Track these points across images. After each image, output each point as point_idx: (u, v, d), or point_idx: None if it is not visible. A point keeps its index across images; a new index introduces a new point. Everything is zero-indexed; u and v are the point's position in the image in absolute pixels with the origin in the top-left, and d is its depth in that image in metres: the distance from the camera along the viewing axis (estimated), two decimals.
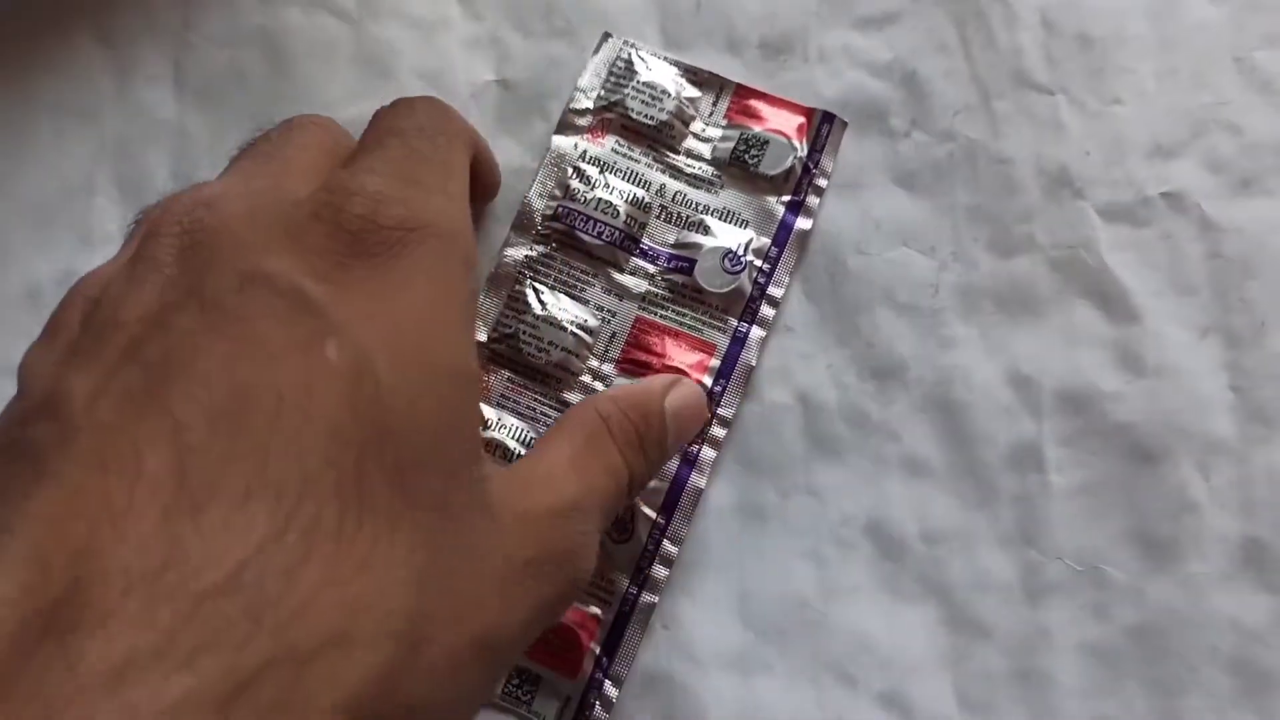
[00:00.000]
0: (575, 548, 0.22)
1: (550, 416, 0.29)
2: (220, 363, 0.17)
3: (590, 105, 0.31)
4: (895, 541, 0.29)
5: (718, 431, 0.29)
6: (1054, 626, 0.28)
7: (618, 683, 0.28)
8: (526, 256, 0.30)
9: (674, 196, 0.30)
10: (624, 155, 0.30)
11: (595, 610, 0.29)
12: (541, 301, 0.29)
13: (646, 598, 0.28)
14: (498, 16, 0.32)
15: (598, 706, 0.28)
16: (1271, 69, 0.30)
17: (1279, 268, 0.29)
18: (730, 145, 0.30)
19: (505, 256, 0.30)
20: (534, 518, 0.21)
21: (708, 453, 0.29)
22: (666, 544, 0.29)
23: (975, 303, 0.30)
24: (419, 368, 0.19)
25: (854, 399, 0.30)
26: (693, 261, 0.29)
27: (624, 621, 0.28)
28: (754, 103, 0.30)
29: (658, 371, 0.29)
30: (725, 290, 0.29)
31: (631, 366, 0.29)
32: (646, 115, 0.30)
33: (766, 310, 0.29)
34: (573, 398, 0.29)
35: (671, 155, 0.30)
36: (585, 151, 0.30)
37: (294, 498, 0.16)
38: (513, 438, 0.29)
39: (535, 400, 0.29)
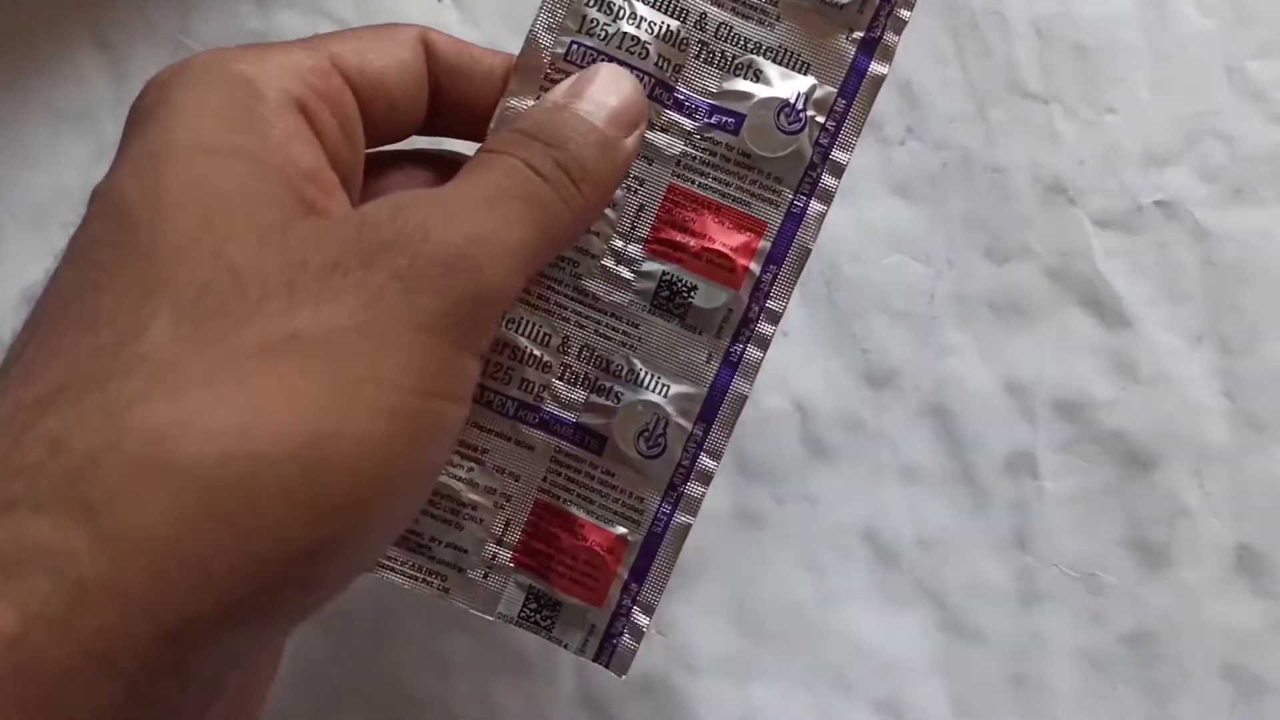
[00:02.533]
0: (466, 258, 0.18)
1: (568, 309, 0.24)
2: None
3: None
4: (891, 547, 0.29)
5: (765, 329, 0.24)
6: (1049, 632, 0.28)
7: (648, 610, 0.25)
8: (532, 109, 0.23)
9: (718, 30, 0.24)
10: None
11: (622, 530, 0.24)
12: None
13: (681, 518, 0.24)
14: (494, 21, 0.32)
15: (626, 635, 0.25)
16: (1264, 79, 0.30)
17: (1271, 276, 0.30)
18: None
19: (506, 110, 0.24)
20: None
21: (753, 353, 0.24)
22: (704, 458, 0.24)
23: (970, 310, 0.30)
24: None
25: (850, 405, 0.30)
26: (740, 116, 0.24)
27: (655, 544, 0.25)
28: None
29: (695, 254, 0.24)
30: (780, 155, 0.24)
31: (663, 248, 0.24)
32: None
33: (829, 181, 0.24)
34: (593, 286, 0.24)
35: None
36: None
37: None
38: (525, 334, 0.24)
39: (549, 289, 0.24)
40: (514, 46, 0.32)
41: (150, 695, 0.15)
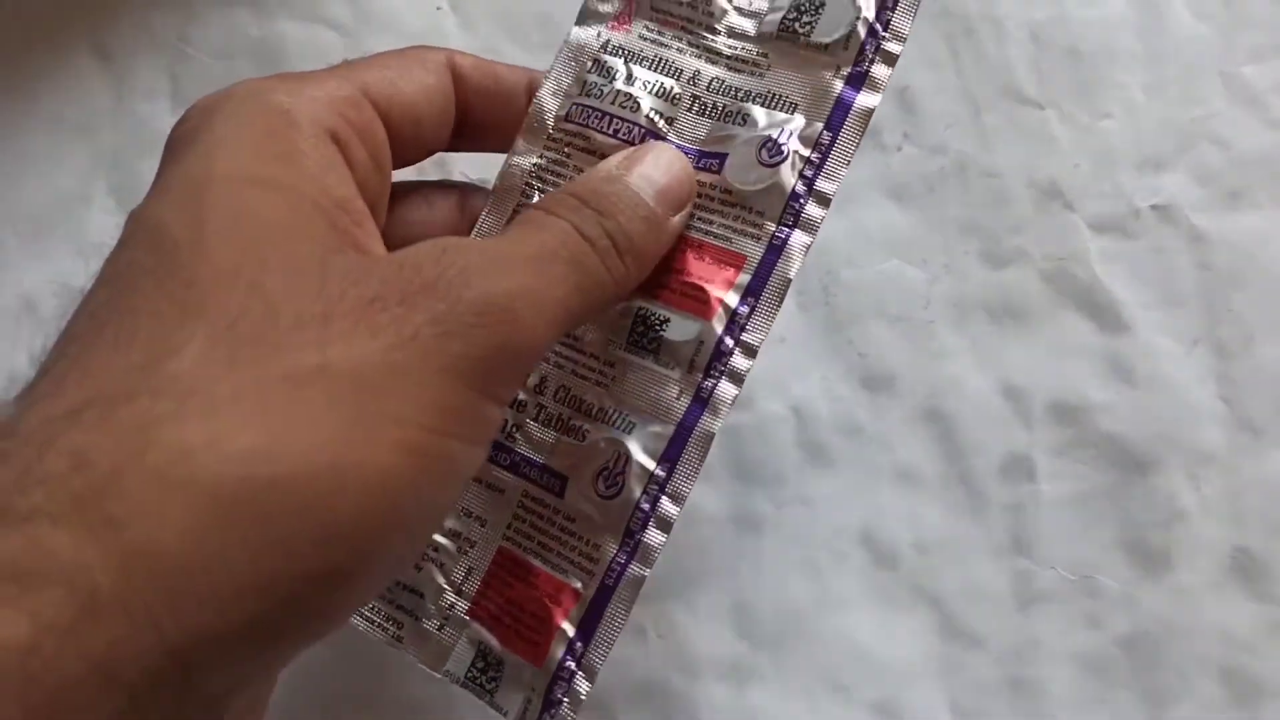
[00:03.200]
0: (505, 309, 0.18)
1: (559, 348, 0.24)
2: None
3: None
4: (888, 551, 0.29)
5: (740, 363, 0.23)
6: (1046, 635, 0.28)
7: (591, 675, 0.23)
8: (535, 165, 0.25)
9: (710, 84, 0.24)
10: (653, 42, 0.25)
11: (576, 584, 0.23)
12: None
13: (635, 570, 0.23)
14: (491, 27, 0.33)
15: (565, 705, 0.23)
16: (1258, 83, 0.31)
17: (1267, 279, 0.30)
18: (780, 14, 0.24)
19: (511, 166, 0.25)
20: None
21: (726, 389, 0.23)
22: (665, 503, 0.23)
23: (967, 314, 0.30)
24: None
25: (847, 410, 0.30)
26: (724, 156, 0.24)
27: (605, 597, 0.23)
28: None
29: (670, 289, 0.23)
30: (760, 188, 0.23)
31: (648, 287, 0.24)
32: None
33: (814, 211, 0.23)
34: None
35: (710, 37, 0.25)
36: (608, 42, 0.25)
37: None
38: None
39: None
40: (510, 51, 0.32)
41: (152, 710, 0.15)
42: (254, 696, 0.20)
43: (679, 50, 0.25)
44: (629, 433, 0.23)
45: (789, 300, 0.30)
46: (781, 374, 0.30)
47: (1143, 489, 0.29)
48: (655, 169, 0.22)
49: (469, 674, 0.24)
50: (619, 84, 0.25)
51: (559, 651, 0.23)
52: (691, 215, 0.23)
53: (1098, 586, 0.29)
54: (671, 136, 0.24)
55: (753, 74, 0.24)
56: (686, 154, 0.24)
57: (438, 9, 0.33)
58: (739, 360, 0.23)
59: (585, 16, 0.26)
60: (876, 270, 0.30)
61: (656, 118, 0.24)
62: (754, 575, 0.29)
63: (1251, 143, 0.30)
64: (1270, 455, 0.29)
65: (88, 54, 0.33)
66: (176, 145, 0.20)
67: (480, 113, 0.24)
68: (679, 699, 0.29)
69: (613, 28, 0.25)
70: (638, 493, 0.23)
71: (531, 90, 0.24)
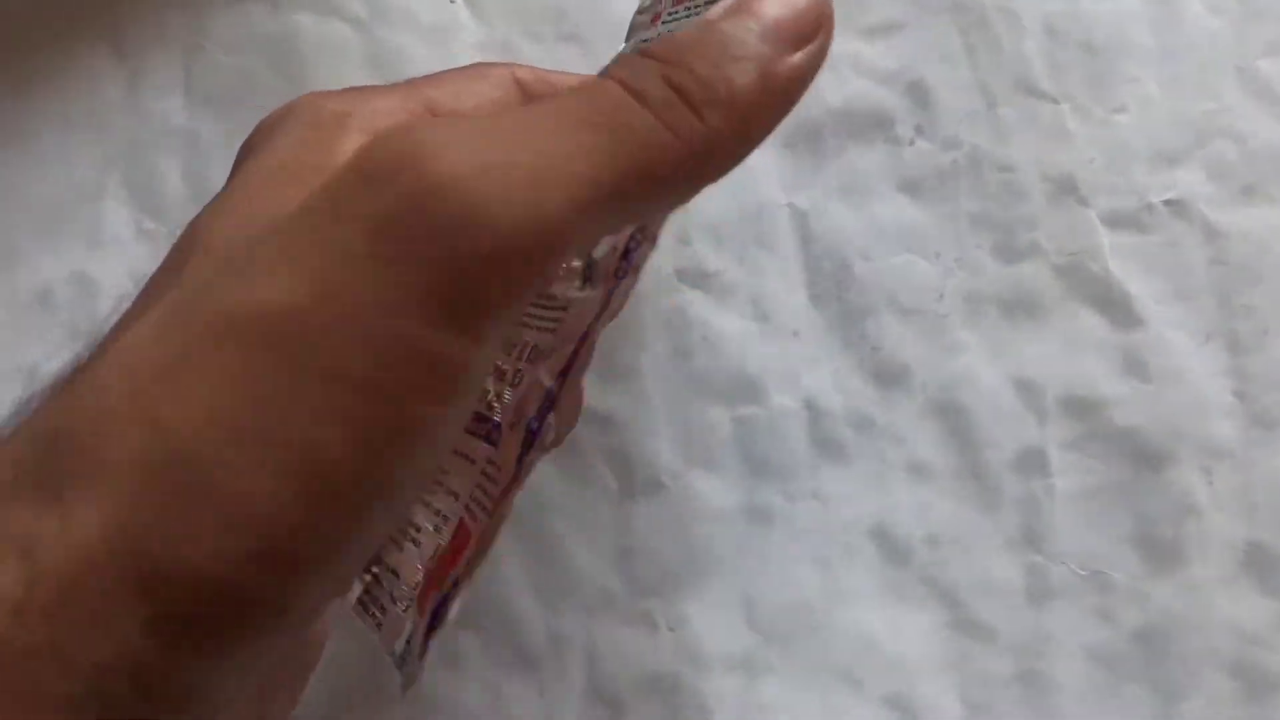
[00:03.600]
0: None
1: (534, 314, 0.20)
2: None
3: None
4: (900, 545, 0.29)
5: (644, 252, 0.19)
6: (1058, 630, 0.28)
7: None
8: None
9: None
10: None
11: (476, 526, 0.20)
12: None
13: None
14: (508, 22, 0.33)
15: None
16: (1274, 77, 0.30)
17: None
18: None
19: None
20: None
21: (627, 282, 0.20)
22: (552, 417, 0.19)
23: (980, 308, 0.30)
24: None
25: (859, 404, 0.30)
26: None
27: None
28: None
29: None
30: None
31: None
32: None
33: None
34: (556, 286, 0.20)
35: None
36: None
37: None
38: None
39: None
40: (526, 47, 0.32)
41: (116, 700, 0.14)
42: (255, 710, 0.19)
43: None
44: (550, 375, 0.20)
45: (800, 293, 0.30)
46: (793, 367, 0.30)
47: (1155, 483, 0.29)
48: (771, 4, 0.17)
49: (404, 651, 0.21)
50: None
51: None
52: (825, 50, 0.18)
53: (1110, 581, 0.29)
54: None
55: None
56: None
57: (451, 2, 0.33)
58: (645, 249, 0.20)
59: (632, 30, 0.23)
60: (889, 264, 0.30)
61: None
62: (765, 568, 0.29)
63: (1266, 137, 0.30)
64: None
65: (101, 49, 0.33)
66: (239, 157, 0.20)
67: None
68: (689, 692, 0.29)
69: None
70: (532, 412, 0.19)
71: None
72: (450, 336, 0.14)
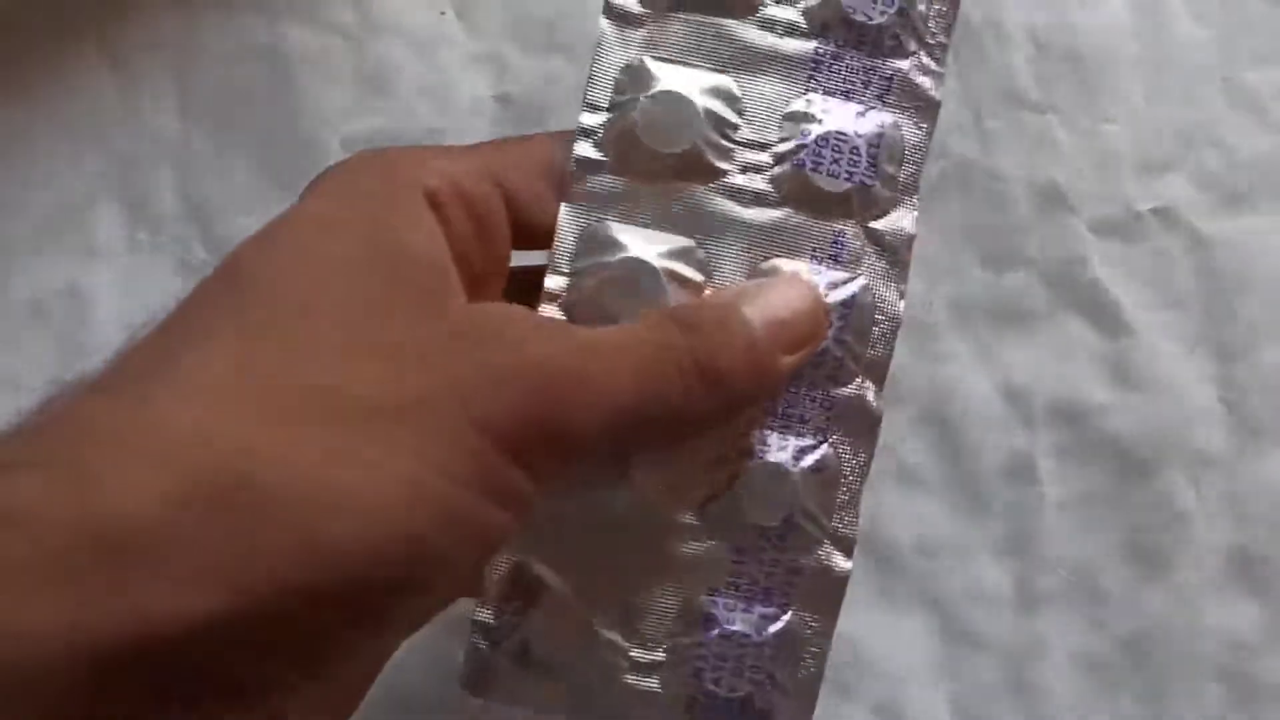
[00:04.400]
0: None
1: None
2: None
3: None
4: (890, 553, 0.29)
5: None
6: (1047, 637, 0.29)
7: None
8: None
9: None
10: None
11: None
12: None
13: None
14: (498, 32, 0.33)
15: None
16: (1259, 87, 0.31)
17: (1268, 282, 0.30)
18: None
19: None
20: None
21: None
22: None
23: (969, 317, 0.30)
24: None
25: None
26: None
27: None
28: None
29: None
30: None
31: None
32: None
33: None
34: None
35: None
36: None
37: None
38: None
39: None
40: (513, 56, 0.32)
41: (116, 691, 0.14)
42: None
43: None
44: None
45: None
46: None
47: (1144, 491, 0.29)
48: (776, 300, 0.20)
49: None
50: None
51: None
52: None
53: (1099, 588, 0.29)
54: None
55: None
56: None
57: (442, 14, 0.33)
58: None
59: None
60: None
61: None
62: None
63: (1252, 147, 0.30)
64: (1271, 457, 0.29)
65: (95, 59, 0.33)
66: (303, 194, 0.20)
67: None
68: None
69: None
70: None
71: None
72: (515, 467, 0.17)
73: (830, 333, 0.21)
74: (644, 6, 0.22)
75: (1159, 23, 0.31)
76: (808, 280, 0.21)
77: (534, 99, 0.32)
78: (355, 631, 0.17)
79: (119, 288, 0.31)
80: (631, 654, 0.22)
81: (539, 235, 0.22)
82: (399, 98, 0.32)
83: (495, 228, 0.21)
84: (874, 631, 0.29)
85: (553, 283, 0.22)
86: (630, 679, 0.22)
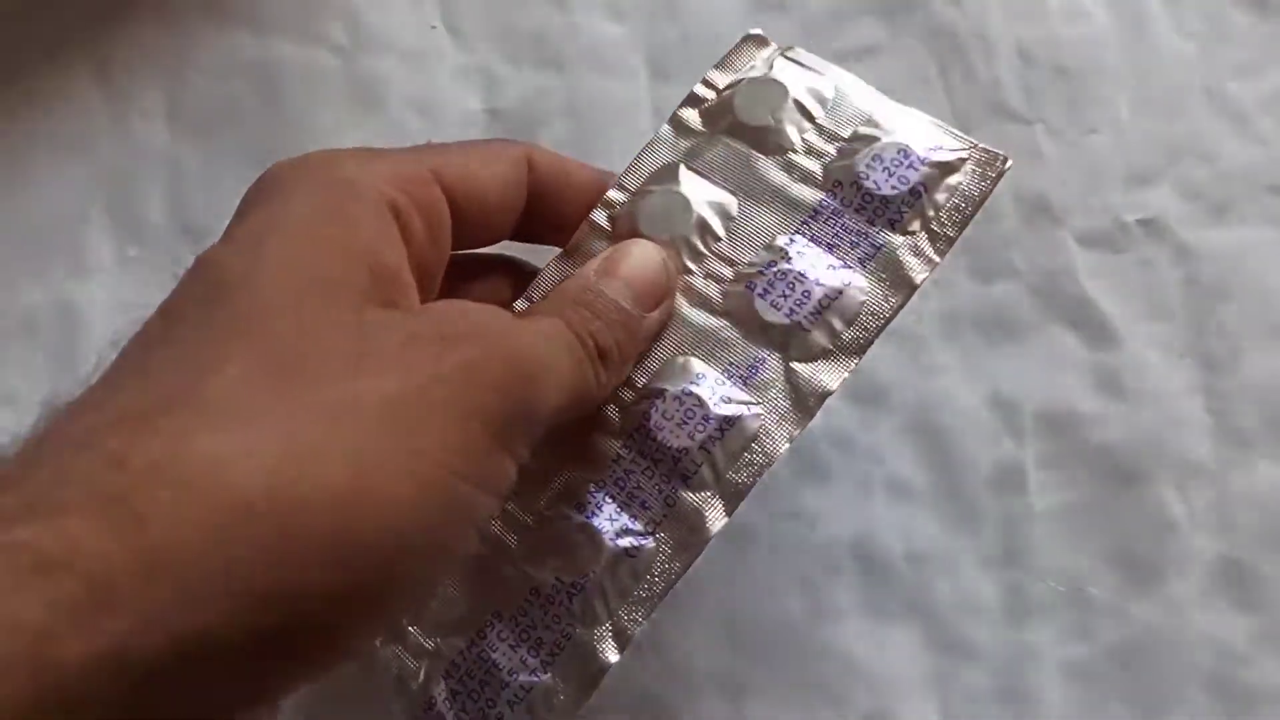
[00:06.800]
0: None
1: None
2: None
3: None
4: (881, 563, 0.29)
5: None
6: (1037, 646, 0.29)
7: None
8: None
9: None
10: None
11: None
12: None
13: None
14: (488, 47, 0.33)
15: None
16: (1242, 99, 0.31)
17: (1253, 292, 0.30)
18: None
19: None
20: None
21: None
22: None
23: (957, 328, 0.30)
24: None
25: (839, 423, 0.30)
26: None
27: None
28: None
29: None
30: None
31: None
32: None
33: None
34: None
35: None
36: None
37: None
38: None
39: None
40: (503, 71, 0.33)
41: (158, 705, 0.15)
42: None
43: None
44: None
45: None
46: None
47: (1132, 500, 0.29)
48: (632, 270, 0.23)
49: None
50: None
51: None
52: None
53: (1088, 597, 0.29)
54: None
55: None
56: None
57: (433, 28, 0.33)
58: None
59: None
60: None
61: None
62: (747, 588, 0.29)
63: (1236, 158, 0.31)
64: (1258, 467, 0.29)
65: (86, 74, 0.33)
66: (248, 202, 0.21)
67: (548, 204, 0.25)
68: (673, 712, 0.29)
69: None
70: None
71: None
72: (502, 452, 0.19)
73: (699, 438, 0.22)
74: (704, 125, 0.25)
75: (1143, 36, 0.32)
76: (648, 241, 0.24)
77: (523, 112, 0.32)
78: (371, 626, 0.19)
79: (110, 302, 0.31)
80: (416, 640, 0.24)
81: (485, 238, 0.24)
82: (389, 111, 0.33)
83: (443, 231, 0.22)
84: (865, 641, 0.29)
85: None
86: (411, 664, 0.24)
